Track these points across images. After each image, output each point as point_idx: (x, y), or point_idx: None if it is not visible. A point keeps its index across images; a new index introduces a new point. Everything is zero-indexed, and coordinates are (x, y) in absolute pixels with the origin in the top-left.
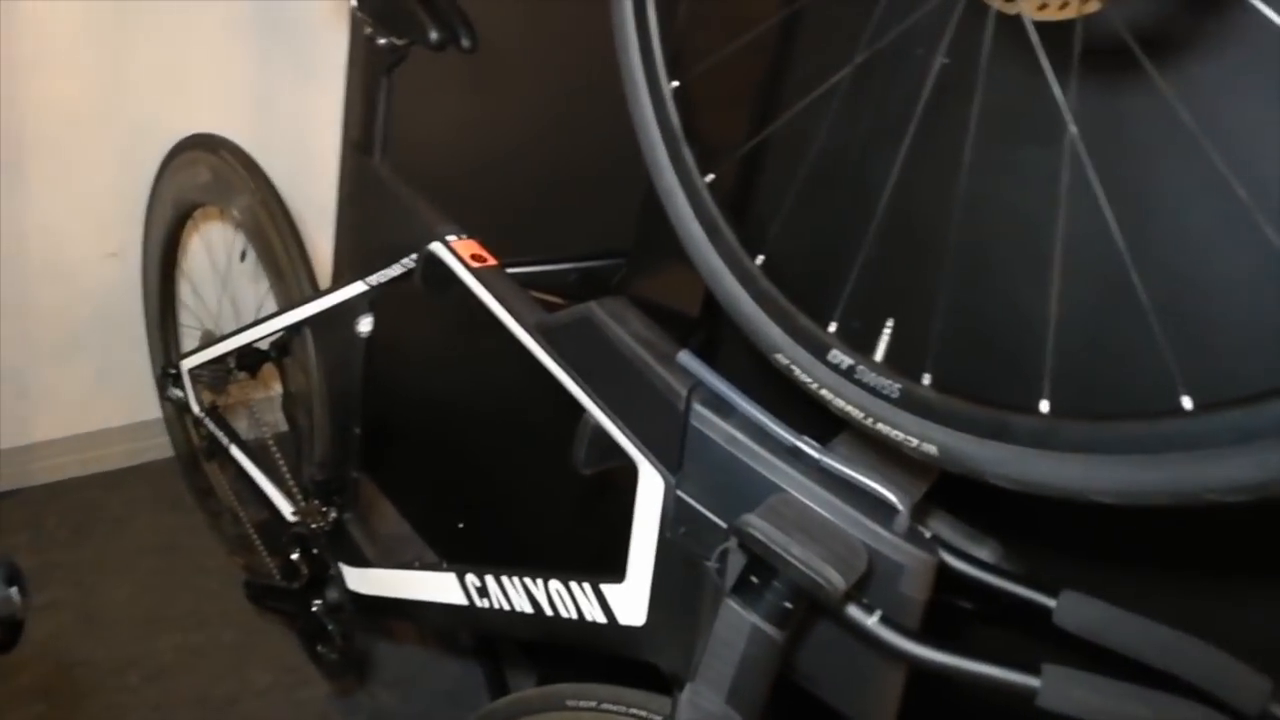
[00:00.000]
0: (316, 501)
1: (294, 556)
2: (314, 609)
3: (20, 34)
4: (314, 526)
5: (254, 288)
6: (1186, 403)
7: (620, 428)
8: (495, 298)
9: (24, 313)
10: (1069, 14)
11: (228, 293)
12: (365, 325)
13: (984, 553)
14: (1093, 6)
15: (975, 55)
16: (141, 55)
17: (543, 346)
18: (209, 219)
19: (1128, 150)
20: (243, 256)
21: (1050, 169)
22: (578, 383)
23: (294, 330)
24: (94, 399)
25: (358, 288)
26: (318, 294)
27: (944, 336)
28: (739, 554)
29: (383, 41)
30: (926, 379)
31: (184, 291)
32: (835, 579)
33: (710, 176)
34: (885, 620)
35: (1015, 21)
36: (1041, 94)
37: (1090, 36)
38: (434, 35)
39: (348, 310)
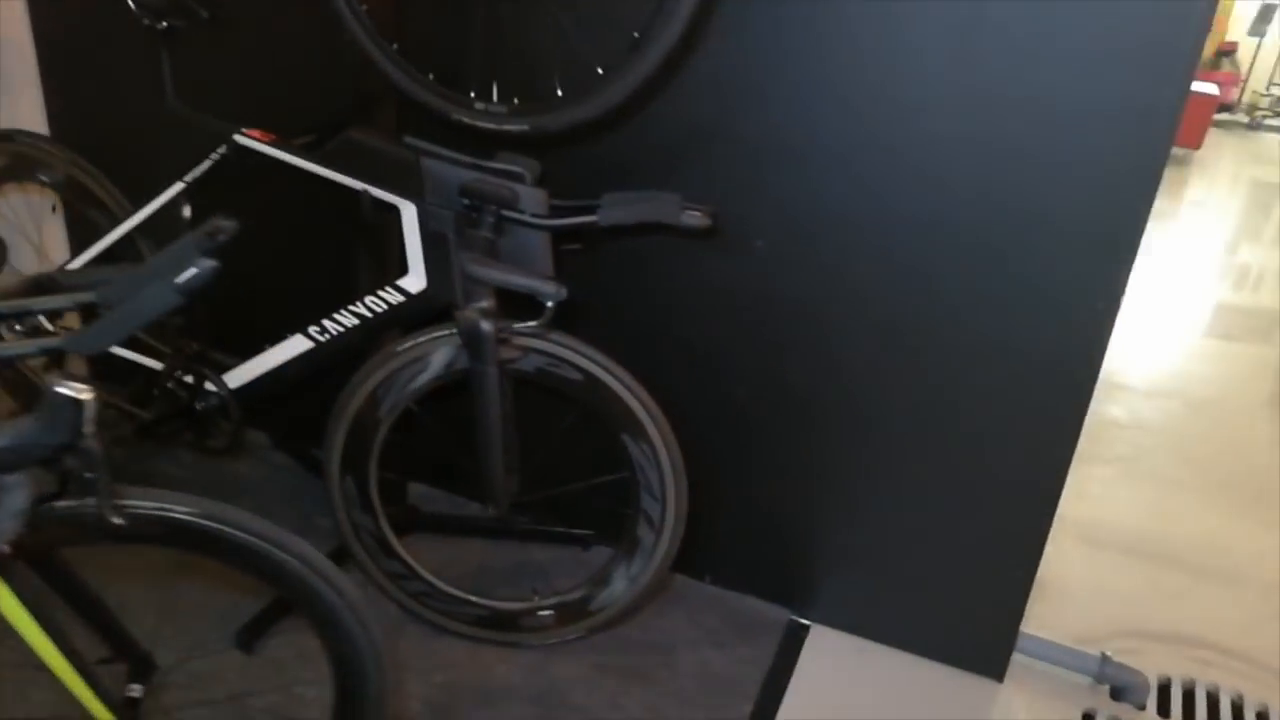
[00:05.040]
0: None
1: (185, 379)
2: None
3: None
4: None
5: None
6: None
7: (386, 189)
8: (288, 154)
9: None
10: None
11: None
12: (187, 212)
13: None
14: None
15: None
16: None
17: (330, 166)
18: None
19: None
20: (54, 209)
21: None
22: (357, 177)
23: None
24: None
25: (178, 186)
26: (147, 205)
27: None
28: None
29: (160, 25)
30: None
31: None
32: (514, 190)
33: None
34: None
35: None
36: None
37: None
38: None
39: (174, 205)
